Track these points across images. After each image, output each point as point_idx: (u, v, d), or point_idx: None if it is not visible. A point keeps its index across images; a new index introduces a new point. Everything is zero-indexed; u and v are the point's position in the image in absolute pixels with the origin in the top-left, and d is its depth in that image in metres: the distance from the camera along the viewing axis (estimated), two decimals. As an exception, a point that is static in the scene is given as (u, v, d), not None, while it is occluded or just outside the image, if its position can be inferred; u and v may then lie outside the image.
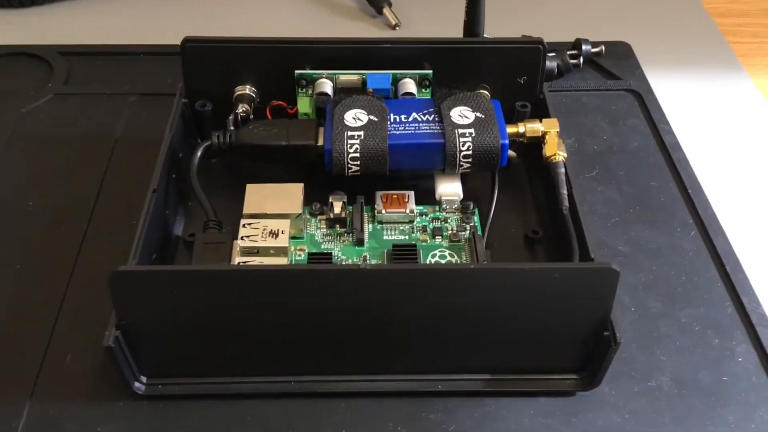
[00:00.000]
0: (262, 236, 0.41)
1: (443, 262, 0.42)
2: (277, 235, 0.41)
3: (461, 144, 0.44)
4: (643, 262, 0.46)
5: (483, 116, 0.45)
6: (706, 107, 0.60)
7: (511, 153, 0.47)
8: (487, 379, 0.40)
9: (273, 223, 0.41)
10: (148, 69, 0.59)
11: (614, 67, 0.61)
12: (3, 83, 0.58)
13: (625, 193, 0.51)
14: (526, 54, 0.49)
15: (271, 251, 0.41)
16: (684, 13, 0.71)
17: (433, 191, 0.46)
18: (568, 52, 0.60)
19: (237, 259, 0.40)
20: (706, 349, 0.42)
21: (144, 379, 0.39)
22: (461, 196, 0.46)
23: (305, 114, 0.48)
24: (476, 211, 0.45)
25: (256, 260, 0.40)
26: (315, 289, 0.36)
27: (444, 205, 0.45)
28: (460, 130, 0.44)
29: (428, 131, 0.45)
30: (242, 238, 0.40)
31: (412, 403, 0.39)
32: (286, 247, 0.41)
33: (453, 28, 0.55)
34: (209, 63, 0.48)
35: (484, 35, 0.54)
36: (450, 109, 0.45)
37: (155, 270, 0.38)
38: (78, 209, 0.48)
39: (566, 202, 0.43)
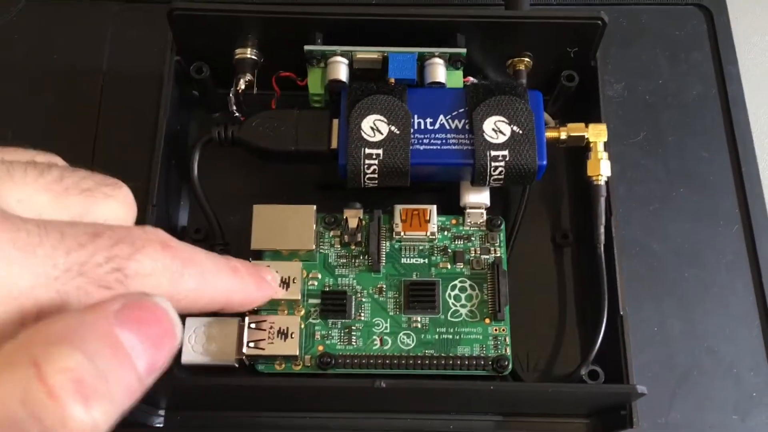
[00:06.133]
0: (272, 286, 0.38)
1: (463, 296, 0.40)
2: (288, 285, 0.38)
3: (492, 168, 0.39)
4: (671, 273, 0.43)
5: (520, 131, 0.39)
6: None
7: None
8: (499, 420, 0.40)
9: (284, 267, 0.38)
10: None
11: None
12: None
13: (671, 169, 0.46)
14: (581, 29, 0.41)
15: (282, 303, 0.39)
16: None
17: (458, 196, 0.42)
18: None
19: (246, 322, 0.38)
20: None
21: (162, 412, 0.40)
22: (488, 205, 0.41)
23: (316, 96, 0.42)
24: (503, 227, 0.41)
25: (267, 320, 0.38)
26: (330, 398, 0.36)
27: (468, 219, 0.41)
28: (493, 152, 0.39)
29: (456, 148, 0.39)
30: (251, 289, 0.38)
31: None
32: (298, 300, 0.38)
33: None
34: (203, 31, 0.41)
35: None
36: (483, 119, 0.39)
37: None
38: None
39: (602, 241, 0.40)
